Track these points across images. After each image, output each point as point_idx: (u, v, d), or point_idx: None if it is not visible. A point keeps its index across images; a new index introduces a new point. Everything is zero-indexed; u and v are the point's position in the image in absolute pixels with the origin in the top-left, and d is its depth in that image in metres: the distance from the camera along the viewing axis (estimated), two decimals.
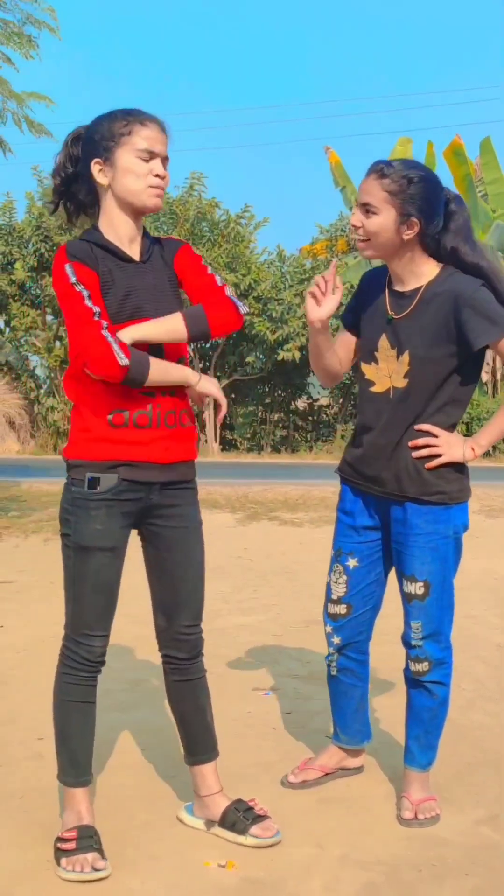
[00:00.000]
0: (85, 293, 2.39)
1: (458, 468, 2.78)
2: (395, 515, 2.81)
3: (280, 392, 19.93)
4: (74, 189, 2.59)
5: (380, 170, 2.67)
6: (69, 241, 2.49)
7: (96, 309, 2.38)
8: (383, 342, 2.77)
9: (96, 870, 2.43)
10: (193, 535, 2.62)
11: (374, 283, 2.88)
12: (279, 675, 4.19)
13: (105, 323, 2.37)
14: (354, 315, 2.91)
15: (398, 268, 2.75)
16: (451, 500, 2.76)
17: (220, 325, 2.51)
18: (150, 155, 2.47)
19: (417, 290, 2.73)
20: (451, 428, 2.78)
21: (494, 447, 17.49)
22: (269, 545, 7.50)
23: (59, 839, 2.51)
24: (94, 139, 2.48)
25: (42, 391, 20.16)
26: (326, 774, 3.04)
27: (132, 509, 2.52)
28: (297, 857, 2.58)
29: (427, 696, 2.83)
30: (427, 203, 2.66)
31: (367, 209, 2.67)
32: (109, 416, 2.45)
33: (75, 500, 2.48)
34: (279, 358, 18.66)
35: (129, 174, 2.46)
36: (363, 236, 2.71)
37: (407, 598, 2.81)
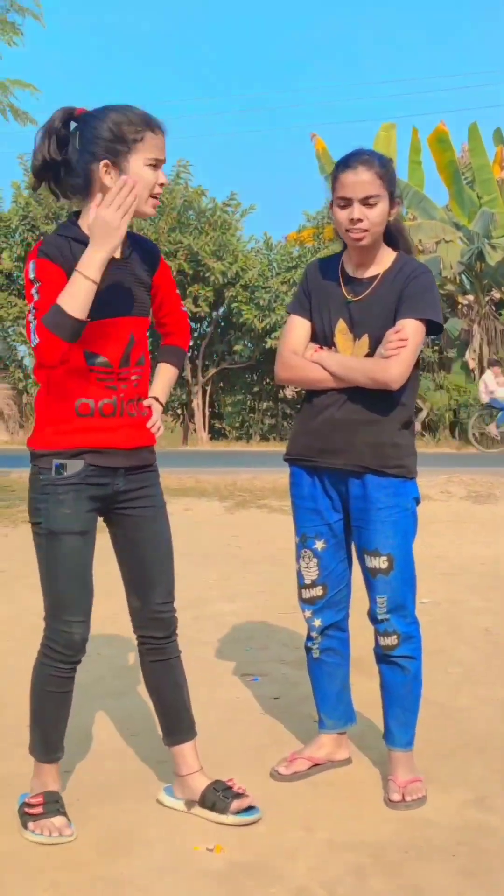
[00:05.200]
0: (36, 285, 2.42)
1: (412, 445, 2.85)
2: (354, 492, 2.83)
3: (268, 380, 19.90)
4: (63, 174, 2.55)
5: (366, 160, 2.73)
6: (45, 238, 2.51)
7: (33, 307, 2.40)
8: (341, 325, 2.82)
9: (63, 836, 2.54)
10: (159, 514, 2.68)
11: (325, 271, 2.91)
12: (267, 660, 4.22)
13: (34, 310, 2.40)
14: (307, 303, 2.91)
15: (366, 253, 2.80)
16: (409, 473, 2.82)
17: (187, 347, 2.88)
18: (158, 163, 2.48)
19: (376, 276, 2.80)
20: (410, 398, 2.83)
21: (482, 433, 17.52)
22: (258, 533, 7.51)
23: (26, 804, 2.62)
24: (104, 138, 2.43)
25: (30, 381, 20.10)
26: (316, 765, 3.03)
27: (98, 494, 2.57)
28: (285, 840, 2.60)
29: (399, 671, 2.86)
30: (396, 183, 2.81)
31: (368, 202, 2.71)
32: (76, 406, 2.50)
33: (44, 487, 2.53)
34: (267, 346, 18.64)
35: (138, 183, 2.43)
36: (366, 227, 2.72)
37: (371, 573, 2.83)
